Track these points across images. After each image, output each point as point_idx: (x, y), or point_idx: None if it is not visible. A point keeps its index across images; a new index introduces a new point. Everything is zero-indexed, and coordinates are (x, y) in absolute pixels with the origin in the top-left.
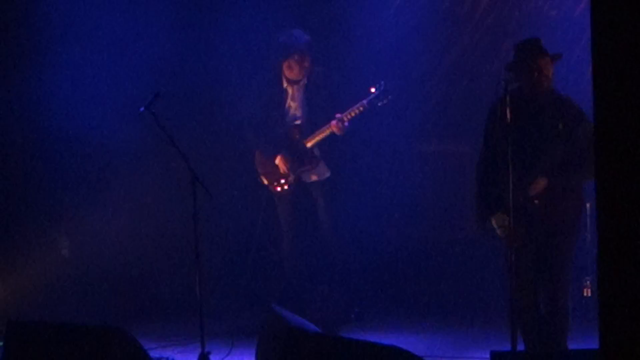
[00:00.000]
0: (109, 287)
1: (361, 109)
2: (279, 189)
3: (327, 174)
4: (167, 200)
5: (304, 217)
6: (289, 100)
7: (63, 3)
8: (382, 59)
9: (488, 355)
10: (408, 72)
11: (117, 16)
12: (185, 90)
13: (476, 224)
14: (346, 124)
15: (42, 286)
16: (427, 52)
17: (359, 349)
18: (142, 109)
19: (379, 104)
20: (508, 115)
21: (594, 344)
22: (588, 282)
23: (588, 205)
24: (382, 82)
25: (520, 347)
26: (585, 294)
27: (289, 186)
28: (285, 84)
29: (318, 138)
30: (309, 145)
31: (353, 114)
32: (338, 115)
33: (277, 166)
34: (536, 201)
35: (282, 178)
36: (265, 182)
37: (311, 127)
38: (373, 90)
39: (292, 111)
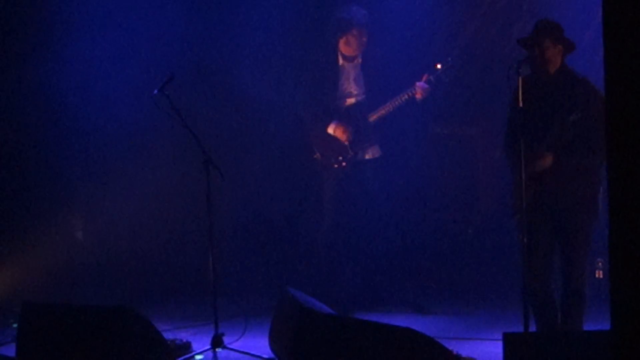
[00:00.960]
0: (122, 269)
1: (429, 83)
2: (336, 166)
3: (379, 153)
4: (180, 182)
5: (349, 197)
6: (345, 77)
7: None
8: (394, 44)
9: (501, 337)
10: (420, 57)
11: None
12: (198, 72)
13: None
14: (429, 88)
15: (56, 268)
16: (439, 35)
17: (372, 330)
18: (155, 91)
19: (447, 80)
20: (520, 99)
21: (605, 325)
22: (600, 264)
23: (600, 188)
24: (450, 59)
25: (533, 328)
26: (597, 276)
27: (347, 163)
28: (341, 61)
29: (389, 108)
30: (374, 118)
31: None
32: (419, 83)
33: (335, 143)
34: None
35: (340, 155)
36: (322, 159)
37: (372, 101)
38: (439, 66)
39: (348, 89)
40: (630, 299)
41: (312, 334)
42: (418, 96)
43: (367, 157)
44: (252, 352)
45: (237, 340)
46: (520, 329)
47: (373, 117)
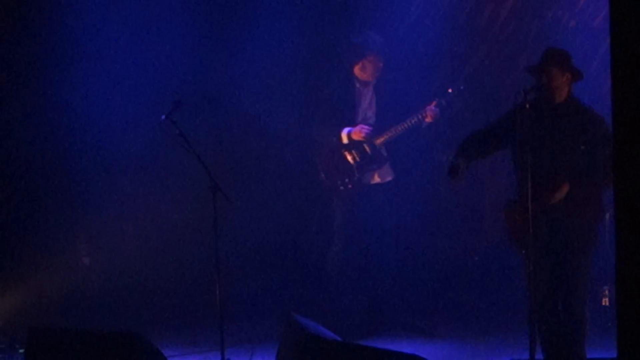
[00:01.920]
0: (129, 294)
1: (439, 107)
2: (342, 188)
3: (390, 177)
4: (187, 207)
5: (359, 220)
6: (360, 100)
7: (86, 14)
8: (401, 70)
9: None
10: (427, 83)
11: (139, 23)
12: (205, 98)
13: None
14: (438, 111)
15: (63, 293)
16: (446, 62)
17: (378, 356)
18: (163, 117)
19: (458, 105)
20: (527, 125)
21: (612, 352)
22: (606, 291)
23: (607, 214)
24: (462, 87)
25: (539, 355)
26: (603, 303)
27: (352, 186)
28: (357, 85)
29: (396, 131)
30: (381, 141)
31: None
32: (429, 106)
33: (341, 165)
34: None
35: (347, 177)
36: (328, 181)
37: (380, 124)
38: (450, 90)
39: (363, 111)
40: (637, 327)
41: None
42: (428, 119)
43: (374, 180)
44: None
45: None
46: (526, 355)
47: (379, 140)
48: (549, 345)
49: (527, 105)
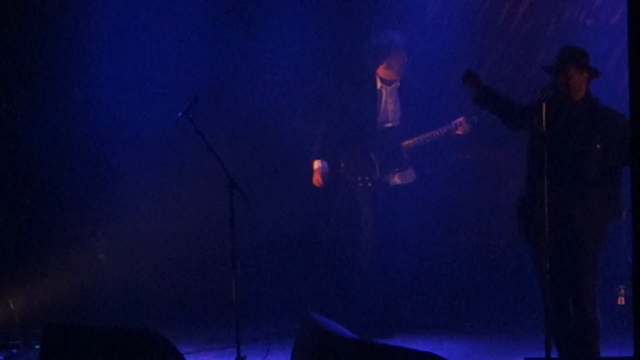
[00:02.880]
0: (145, 291)
1: (471, 123)
2: (361, 185)
3: (412, 179)
4: (204, 204)
5: (382, 220)
6: (383, 101)
7: (102, 13)
8: (418, 69)
9: None
10: (443, 81)
11: (155, 20)
12: (222, 95)
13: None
14: (470, 125)
15: (79, 290)
16: (463, 61)
17: (394, 355)
18: (179, 114)
19: (489, 121)
20: (544, 124)
21: (628, 351)
22: (622, 290)
23: (624, 212)
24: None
25: (555, 354)
26: (619, 302)
27: (372, 184)
28: (379, 85)
29: (426, 138)
30: (409, 143)
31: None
32: (463, 118)
33: (363, 162)
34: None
35: (367, 175)
36: (347, 174)
37: (407, 128)
38: None
39: (386, 112)
40: None
41: (334, 358)
42: (459, 132)
43: (394, 181)
44: None
45: None
46: (542, 354)
47: (407, 143)
48: (563, 344)
49: (544, 104)
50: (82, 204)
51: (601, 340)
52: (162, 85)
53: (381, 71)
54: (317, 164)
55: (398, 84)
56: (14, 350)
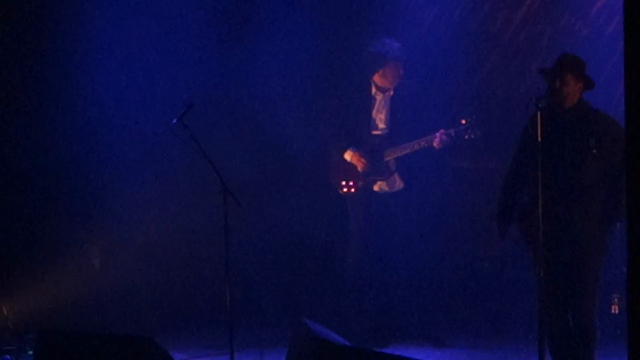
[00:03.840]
0: (139, 297)
1: (453, 134)
2: (345, 190)
3: (400, 186)
4: (198, 211)
5: (372, 228)
6: (374, 108)
7: (100, 17)
8: (413, 78)
9: None
10: (439, 91)
11: (152, 26)
12: (216, 101)
13: (495, 230)
14: (446, 139)
15: (73, 296)
16: (458, 70)
17: None
18: (175, 120)
19: (466, 137)
20: (539, 133)
21: None
22: (616, 299)
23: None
24: (474, 117)
25: None
26: (613, 311)
27: (356, 190)
28: (374, 91)
29: (405, 151)
30: (392, 156)
31: (446, 137)
32: (442, 130)
33: (348, 169)
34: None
35: (352, 180)
36: (331, 180)
37: (394, 137)
38: (464, 122)
39: (376, 119)
40: None
41: None
42: (435, 146)
43: (381, 189)
44: None
45: None
46: None
47: (389, 157)
48: (558, 354)
49: (539, 113)
50: (77, 210)
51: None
52: (157, 92)
53: (377, 79)
54: (348, 155)
55: (392, 93)
56: (8, 356)
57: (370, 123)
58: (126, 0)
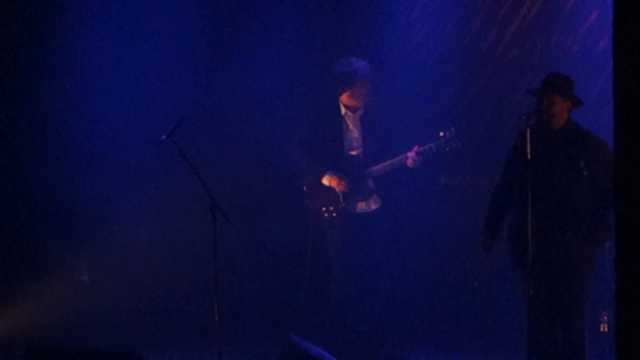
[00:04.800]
0: (128, 313)
1: (428, 150)
2: (326, 215)
3: (376, 206)
4: (186, 226)
5: (355, 247)
6: (347, 129)
7: (86, 29)
8: (404, 93)
9: None
10: (430, 106)
11: (141, 41)
12: (205, 117)
13: (481, 246)
14: (421, 158)
15: (62, 312)
16: (449, 86)
17: None
18: (164, 137)
19: (447, 149)
20: (529, 150)
21: None
22: (605, 318)
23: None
24: (453, 129)
25: None
26: (601, 329)
27: (337, 214)
28: (343, 111)
29: (386, 168)
30: (372, 175)
31: (418, 156)
32: (416, 148)
33: (328, 193)
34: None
35: (332, 205)
36: (312, 206)
37: (369, 156)
38: (441, 134)
39: (350, 140)
40: (636, 354)
41: None
42: (409, 164)
43: (360, 209)
44: None
45: None
46: None
47: (369, 176)
48: None
49: (529, 130)
50: (66, 226)
51: None
52: (146, 108)
53: (345, 99)
54: (327, 179)
55: (362, 112)
56: None
57: (344, 144)
58: (115, 17)
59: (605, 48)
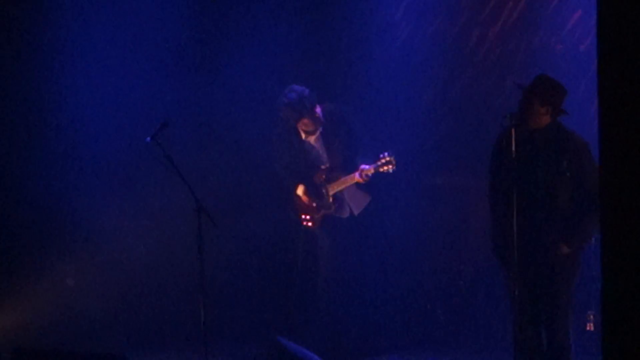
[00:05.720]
0: (113, 315)
1: (371, 171)
2: (304, 223)
3: (345, 215)
4: (172, 229)
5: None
6: (310, 148)
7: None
8: (388, 93)
9: None
10: (414, 106)
11: (125, 44)
12: (190, 119)
13: (493, 252)
14: (369, 175)
15: (48, 314)
16: (433, 85)
17: None
18: (148, 139)
19: (381, 170)
20: (513, 150)
21: None
22: (591, 316)
23: (593, 239)
24: (387, 153)
25: None
26: (588, 328)
27: (314, 224)
28: (304, 136)
29: (342, 186)
30: (332, 192)
31: (369, 173)
32: (362, 167)
33: (304, 203)
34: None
35: (309, 214)
36: (294, 215)
37: (336, 168)
38: (381, 156)
39: (320, 156)
40: (622, 352)
41: None
42: (361, 181)
43: (341, 215)
44: None
45: None
46: None
47: (331, 191)
48: None
49: (513, 130)
50: (50, 228)
51: None
52: (130, 110)
53: (301, 126)
54: (300, 190)
55: (320, 129)
56: None
57: (313, 161)
58: (98, 19)
59: (590, 47)
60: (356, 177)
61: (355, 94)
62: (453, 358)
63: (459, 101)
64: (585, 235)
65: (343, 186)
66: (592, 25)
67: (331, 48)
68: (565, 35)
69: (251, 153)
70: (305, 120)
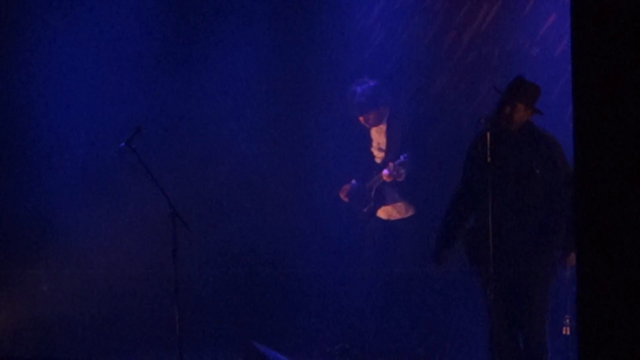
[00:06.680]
0: (88, 322)
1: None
2: (365, 210)
3: (409, 213)
4: (146, 234)
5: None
6: (374, 143)
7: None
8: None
9: None
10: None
11: (98, 47)
12: (164, 123)
13: (434, 254)
14: (394, 173)
15: (22, 322)
16: (408, 90)
17: None
18: (122, 144)
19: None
20: (488, 153)
21: None
22: (567, 321)
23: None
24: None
25: None
26: (564, 332)
27: (368, 211)
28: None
29: (376, 184)
30: (372, 186)
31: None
32: (390, 164)
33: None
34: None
35: (365, 205)
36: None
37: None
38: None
39: (378, 151)
40: (598, 356)
41: None
42: (386, 179)
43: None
44: None
45: None
46: None
47: (370, 187)
48: None
49: (488, 134)
50: (25, 234)
51: None
52: (103, 115)
53: (362, 120)
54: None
55: (384, 126)
56: None
57: (370, 153)
58: (69, 23)
59: (565, 51)
60: (384, 175)
61: (330, 98)
62: None
63: (433, 105)
64: (560, 236)
65: (376, 184)
66: (566, 28)
67: (306, 52)
68: (540, 39)
69: (226, 158)
70: (368, 117)
